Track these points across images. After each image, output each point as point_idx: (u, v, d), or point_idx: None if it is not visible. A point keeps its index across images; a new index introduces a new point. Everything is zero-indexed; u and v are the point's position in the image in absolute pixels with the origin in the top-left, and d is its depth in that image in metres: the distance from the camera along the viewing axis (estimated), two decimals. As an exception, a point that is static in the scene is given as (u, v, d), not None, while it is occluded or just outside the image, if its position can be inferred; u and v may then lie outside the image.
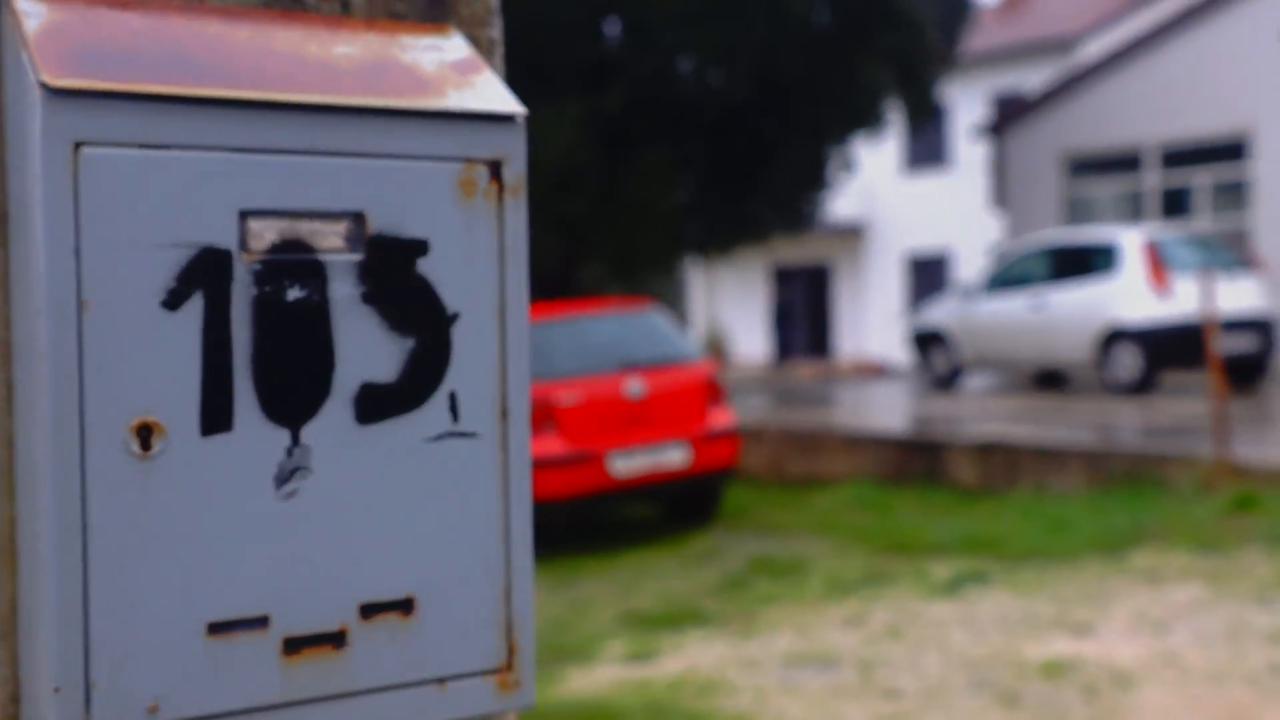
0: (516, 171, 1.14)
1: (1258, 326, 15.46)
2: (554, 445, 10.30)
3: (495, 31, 1.31)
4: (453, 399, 1.12)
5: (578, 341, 11.26)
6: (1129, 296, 15.29)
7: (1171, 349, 14.40)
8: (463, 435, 1.13)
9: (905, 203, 32.54)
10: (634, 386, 10.68)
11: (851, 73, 17.13)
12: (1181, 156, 19.55)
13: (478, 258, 1.13)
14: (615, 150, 16.39)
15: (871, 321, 32.82)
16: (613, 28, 16.74)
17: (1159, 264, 15.17)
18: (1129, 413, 13.21)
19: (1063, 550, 8.23)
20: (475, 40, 1.28)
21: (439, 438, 1.12)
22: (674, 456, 10.73)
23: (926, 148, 32.21)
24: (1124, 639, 6.05)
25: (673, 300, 42.12)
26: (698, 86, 16.78)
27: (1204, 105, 18.97)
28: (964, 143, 26.11)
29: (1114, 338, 15.39)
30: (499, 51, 1.31)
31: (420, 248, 1.10)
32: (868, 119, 18.69)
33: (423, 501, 1.11)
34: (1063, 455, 10.48)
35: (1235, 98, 18.61)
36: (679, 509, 11.65)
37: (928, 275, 31.88)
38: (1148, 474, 9.73)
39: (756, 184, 18.36)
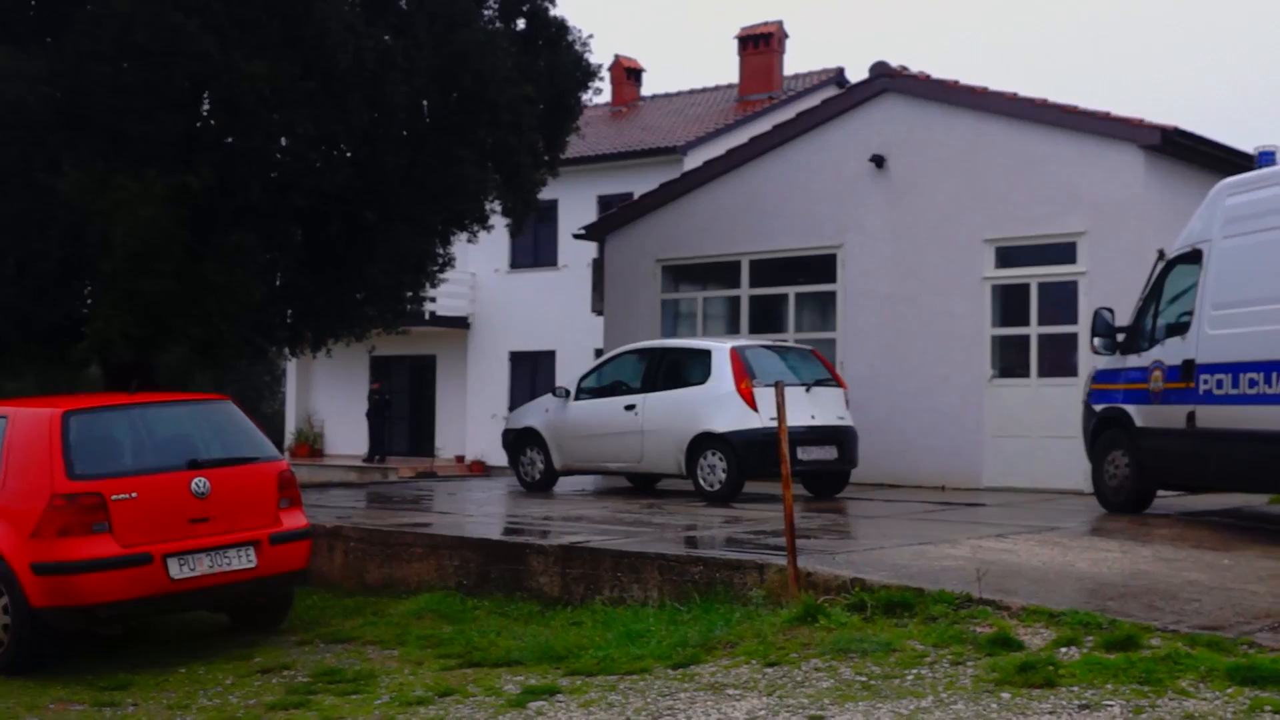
0: None
1: (839, 437, 16.07)
2: (106, 546, 9.55)
3: None
4: None
5: (140, 434, 10.53)
6: (718, 405, 15.62)
7: (758, 457, 14.72)
8: None
9: (512, 300, 32.74)
10: (199, 484, 10.02)
11: (453, 167, 16.96)
12: (775, 269, 20.30)
13: None
14: (201, 229, 15.59)
15: (476, 418, 32.66)
16: (206, 101, 16.00)
17: (746, 374, 15.57)
18: (715, 521, 13.37)
19: (634, 662, 8.10)
20: None
21: None
22: (240, 560, 10.11)
23: (536, 246, 32.56)
24: (684, 760, 5.89)
25: (265, 390, 40.86)
26: (295, 169, 16.19)
27: (797, 221, 19.77)
28: (572, 243, 26.44)
29: (703, 445, 15.66)
30: None
31: None
32: (470, 214, 18.56)
33: None
34: (642, 564, 10.41)
35: (826, 215, 19.49)
36: (246, 616, 10.98)
37: (534, 373, 32.07)
38: (722, 584, 9.76)
39: (355, 274, 17.88)
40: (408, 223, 17.52)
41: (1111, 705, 6.28)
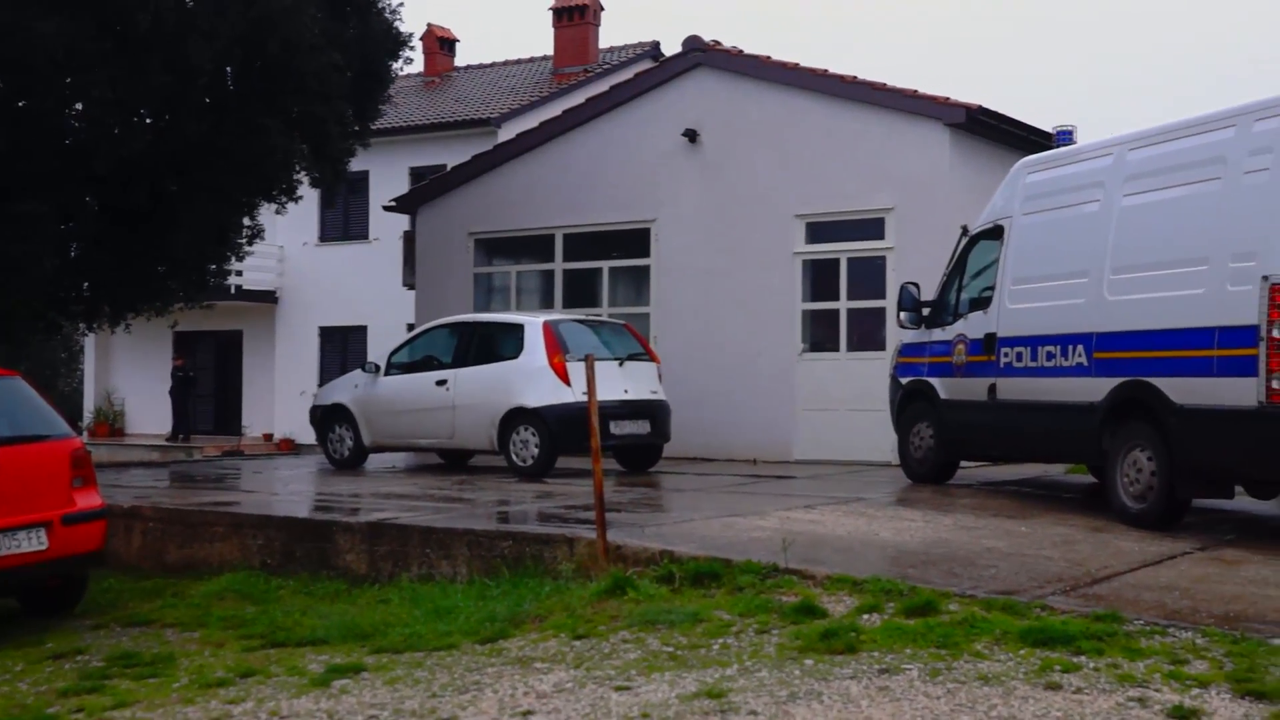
0: None
1: (652, 411, 16.11)
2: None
3: None
4: None
5: (-87, 412, 10.01)
6: (530, 380, 15.53)
7: (570, 432, 14.66)
8: None
9: (322, 273, 32.15)
10: (-17, 463, 9.58)
11: (258, 136, 16.48)
12: (589, 243, 20.26)
13: None
14: (-12, 198, 14.89)
15: (284, 395, 31.98)
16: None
17: (559, 348, 15.51)
18: (526, 496, 13.29)
19: (442, 638, 7.98)
20: None
21: None
22: (30, 542, 9.68)
23: (346, 219, 32.04)
24: (488, 735, 5.81)
25: (62, 367, 39.44)
26: (91, 135, 15.53)
27: (611, 195, 19.77)
28: (384, 216, 26.02)
29: (516, 420, 15.56)
30: None
31: None
32: (277, 185, 18.09)
33: None
34: (451, 541, 10.28)
35: (640, 189, 19.51)
36: (38, 601, 10.53)
37: (345, 349, 31.56)
38: (532, 559, 9.69)
39: (156, 246, 17.27)
40: (211, 193, 16.99)
41: (910, 669, 6.38)
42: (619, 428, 15.47)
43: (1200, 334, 10.06)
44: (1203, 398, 10.02)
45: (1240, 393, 9.64)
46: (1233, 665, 6.30)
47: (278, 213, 19.94)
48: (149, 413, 33.83)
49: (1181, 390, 10.21)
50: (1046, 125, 16.33)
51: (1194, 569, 8.88)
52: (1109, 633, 6.84)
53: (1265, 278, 9.48)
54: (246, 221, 19.17)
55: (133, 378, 34.65)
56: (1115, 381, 10.95)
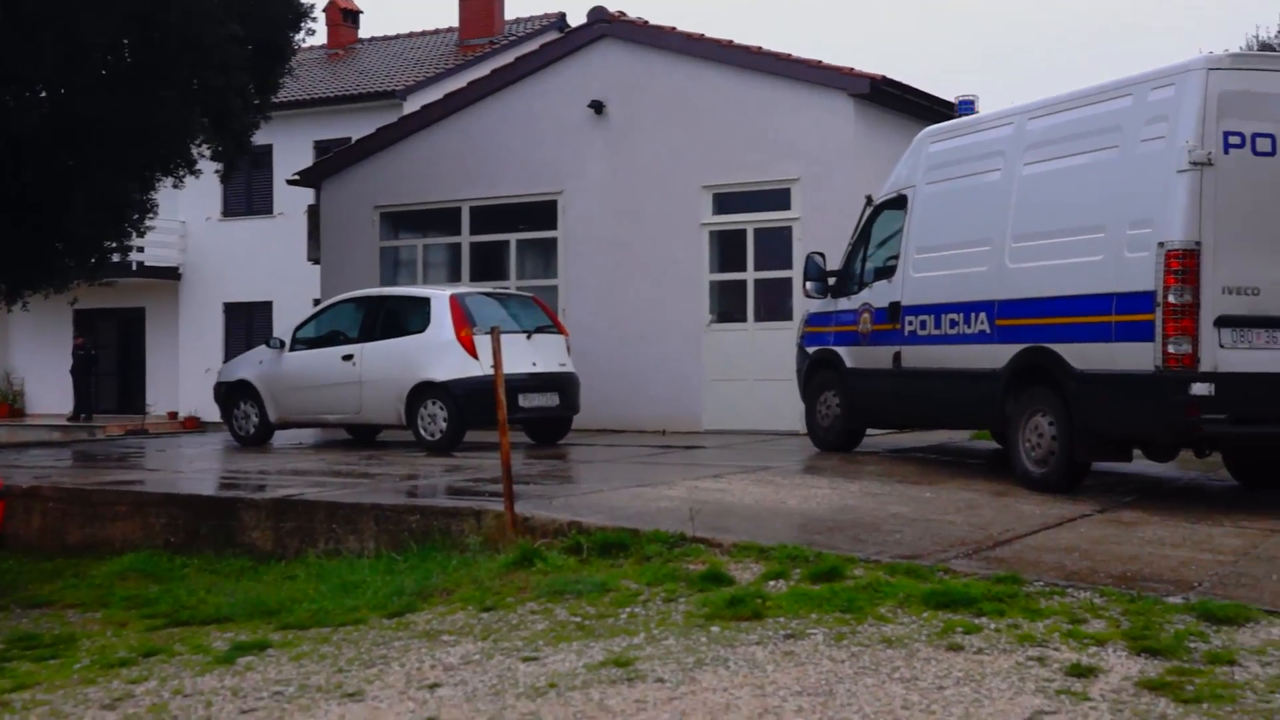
0: None
1: (561, 384, 16.09)
2: None
3: None
4: None
5: None
6: (438, 353, 15.44)
7: (479, 406, 14.57)
8: None
9: (226, 249, 31.71)
10: (-126, 444, 9.35)
11: (156, 109, 16.17)
12: (496, 216, 20.16)
13: None
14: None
15: (189, 373, 31.54)
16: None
17: (466, 321, 15.42)
18: (435, 470, 13.23)
19: (349, 614, 7.92)
20: None
21: None
22: (-77, 524, 9.49)
23: (249, 193, 31.60)
24: (392, 702, 5.77)
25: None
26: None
27: (517, 167, 19.67)
28: (288, 190, 25.69)
29: (424, 395, 15.47)
30: None
31: None
32: (175, 159, 17.78)
33: None
34: (358, 516, 10.21)
35: (547, 161, 19.44)
36: (-68, 583, 10.34)
37: (250, 325, 31.17)
38: (440, 532, 9.65)
39: (52, 223, 16.90)
40: (108, 168, 16.66)
41: (815, 633, 6.44)
42: (527, 400, 15.44)
43: (1099, 300, 10.22)
44: (1101, 363, 10.19)
45: (1137, 358, 9.81)
46: (1129, 623, 6.42)
47: (175, 187, 19.60)
48: (50, 392, 33.21)
49: (1081, 356, 10.38)
50: (949, 95, 16.50)
51: (1093, 531, 9.04)
52: (1010, 594, 6.95)
53: (1161, 244, 9.65)
54: (143, 197, 18.82)
55: (32, 356, 33.98)
56: (1017, 348, 11.10)
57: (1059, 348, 10.60)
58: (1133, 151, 10.21)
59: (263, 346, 17.41)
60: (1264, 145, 9.78)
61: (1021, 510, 9.86)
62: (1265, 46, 29.14)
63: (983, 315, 11.58)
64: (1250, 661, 5.84)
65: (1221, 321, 9.63)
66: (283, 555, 10.40)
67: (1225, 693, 5.37)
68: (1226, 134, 9.67)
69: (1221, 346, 9.64)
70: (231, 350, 29.27)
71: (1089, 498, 10.55)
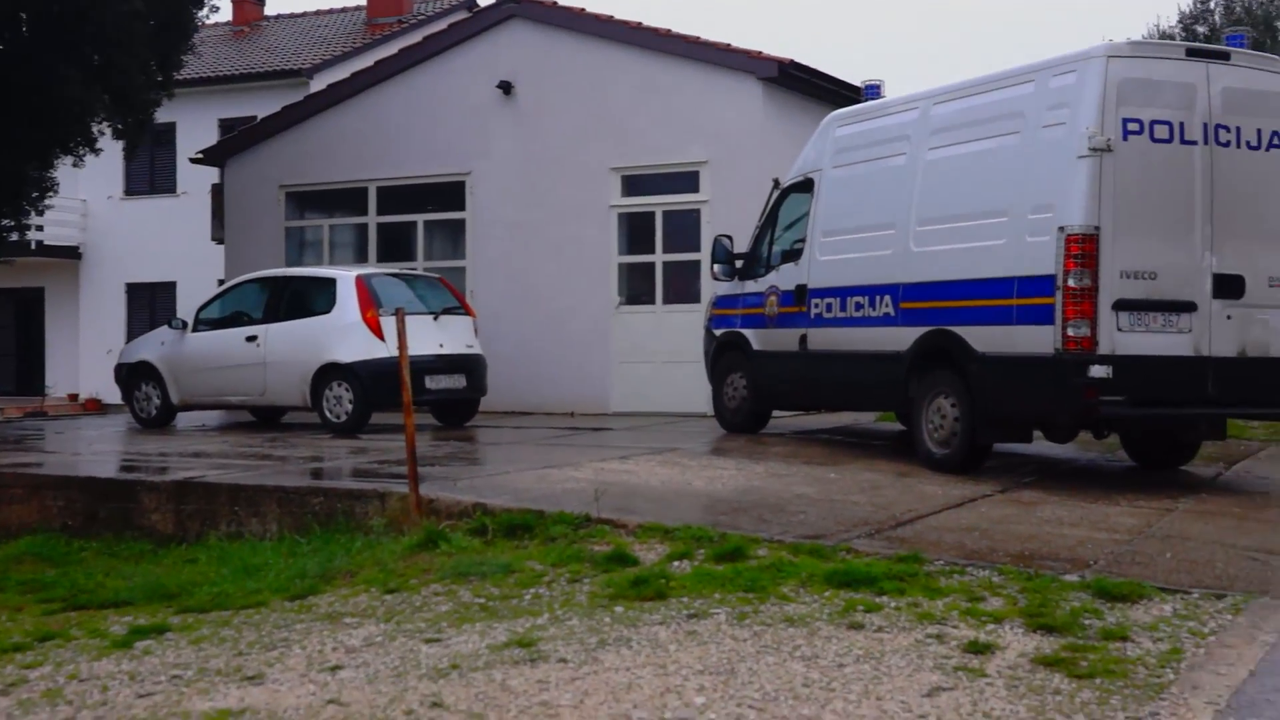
0: None
1: (468, 365, 16.01)
2: None
3: None
4: None
5: None
6: (343, 335, 15.30)
7: (385, 387, 14.46)
8: None
9: (129, 228, 31.16)
10: None
11: (55, 86, 15.83)
12: (404, 197, 19.99)
13: None
14: None
15: (90, 354, 30.97)
16: None
17: (372, 302, 15.30)
18: (340, 452, 13.11)
19: (250, 596, 7.83)
20: None
21: None
22: None
23: (153, 172, 31.09)
24: (293, 685, 5.72)
25: None
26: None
27: (425, 147, 19.52)
28: (192, 169, 25.29)
29: (329, 376, 15.32)
30: None
31: None
32: (75, 138, 17.43)
33: None
34: (261, 498, 10.09)
35: (455, 142, 19.31)
36: None
37: (153, 306, 30.69)
38: (344, 514, 9.57)
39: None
40: (4, 146, 16.29)
41: (718, 613, 6.47)
42: (434, 382, 15.36)
43: (1001, 284, 10.35)
44: (1003, 346, 10.32)
45: (1038, 341, 9.95)
46: (1026, 601, 6.52)
47: (75, 165, 19.21)
48: (-55, 373, 32.51)
49: (983, 339, 10.51)
50: (856, 80, 16.60)
51: (993, 510, 9.17)
52: (911, 573, 7.03)
53: (1062, 228, 9.79)
54: (42, 175, 18.44)
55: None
56: (920, 331, 11.22)
57: (962, 330, 10.73)
58: (1034, 137, 10.34)
59: (165, 327, 17.16)
60: (1161, 132, 9.95)
61: (924, 491, 9.97)
62: (1165, 36, 29.66)
63: (887, 298, 11.68)
64: (1142, 637, 5.95)
65: (1120, 305, 9.79)
66: (184, 538, 10.26)
67: (1118, 668, 5.47)
68: (1125, 121, 9.83)
69: (1119, 330, 9.80)
70: (134, 331, 28.79)
71: (990, 478, 10.70)
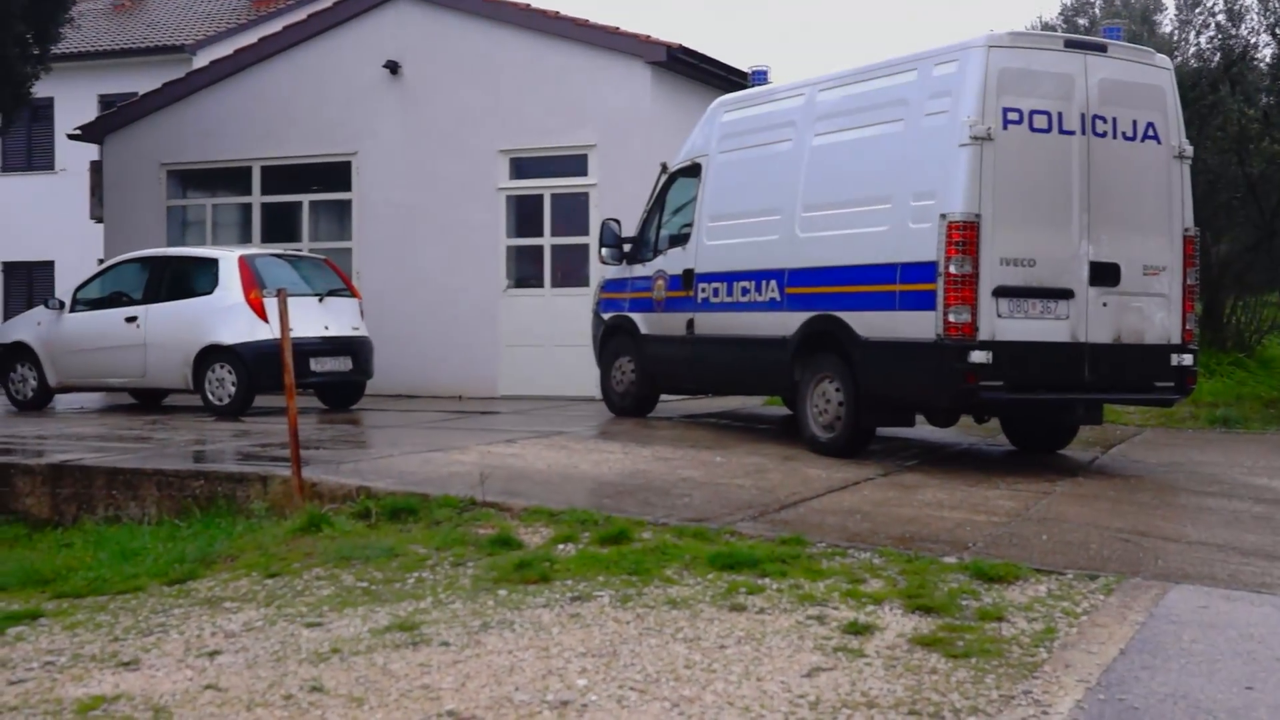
0: None
1: (353, 348, 15.85)
2: None
3: None
4: None
5: None
6: (226, 316, 15.07)
7: (268, 370, 14.26)
8: None
9: (5, 206, 30.41)
10: None
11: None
12: (289, 176, 19.72)
13: None
14: None
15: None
16: None
17: (255, 283, 15.08)
18: (222, 435, 12.92)
19: (128, 581, 7.67)
20: None
21: None
22: None
23: (29, 148, 30.40)
24: (170, 670, 5.63)
25: None
26: None
27: (310, 127, 19.28)
28: (71, 146, 24.72)
29: (211, 358, 15.09)
30: None
31: None
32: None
33: None
34: (139, 481, 9.92)
35: (340, 121, 19.08)
36: None
37: (30, 286, 30.04)
38: (225, 498, 9.45)
39: None
40: None
41: (601, 595, 6.49)
42: (319, 365, 15.20)
43: (884, 270, 10.48)
44: (886, 331, 10.46)
45: (920, 326, 10.09)
46: (906, 582, 6.62)
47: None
48: None
49: (866, 324, 10.64)
50: (744, 65, 16.68)
51: (876, 494, 9.29)
52: (793, 555, 7.11)
53: (943, 216, 9.93)
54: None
55: None
56: (806, 316, 11.32)
57: (846, 316, 10.84)
58: (917, 125, 10.47)
59: (41, 307, 16.78)
60: (1041, 122, 10.13)
61: (808, 474, 10.08)
62: (1047, 27, 30.16)
63: (773, 283, 11.77)
64: (1018, 617, 6.07)
65: (999, 292, 9.96)
66: (59, 522, 10.06)
67: (993, 647, 5.58)
68: (1006, 110, 9.99)
69: (999, 316, 9.97)
70: (11, 311, 28.12)
71: (873, 462, 10.84)
